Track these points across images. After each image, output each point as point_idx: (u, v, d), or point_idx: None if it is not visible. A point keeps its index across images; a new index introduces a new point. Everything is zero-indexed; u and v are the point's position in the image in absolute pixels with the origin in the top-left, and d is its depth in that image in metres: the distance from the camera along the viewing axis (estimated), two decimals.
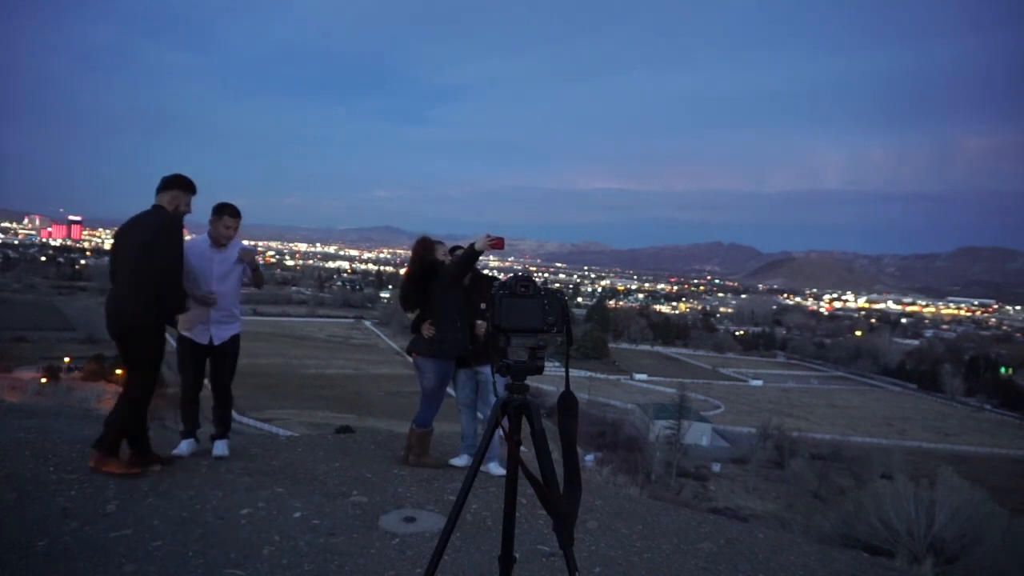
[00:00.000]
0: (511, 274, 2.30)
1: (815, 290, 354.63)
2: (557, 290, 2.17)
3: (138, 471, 4.22)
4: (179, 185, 4.23)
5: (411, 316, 5.20)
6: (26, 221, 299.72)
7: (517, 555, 2.36)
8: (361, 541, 3.59)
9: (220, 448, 4.82)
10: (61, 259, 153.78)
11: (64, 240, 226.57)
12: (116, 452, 4.23)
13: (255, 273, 4.80)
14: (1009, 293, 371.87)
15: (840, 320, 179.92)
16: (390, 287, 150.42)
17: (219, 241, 4.63)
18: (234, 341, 4.78)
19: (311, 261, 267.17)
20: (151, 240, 4.04)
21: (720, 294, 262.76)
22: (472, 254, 4.71)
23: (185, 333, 4.65)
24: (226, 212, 4.62)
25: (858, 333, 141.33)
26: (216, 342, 4.66)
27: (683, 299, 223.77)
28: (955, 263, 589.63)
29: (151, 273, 4.03)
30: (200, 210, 4.78)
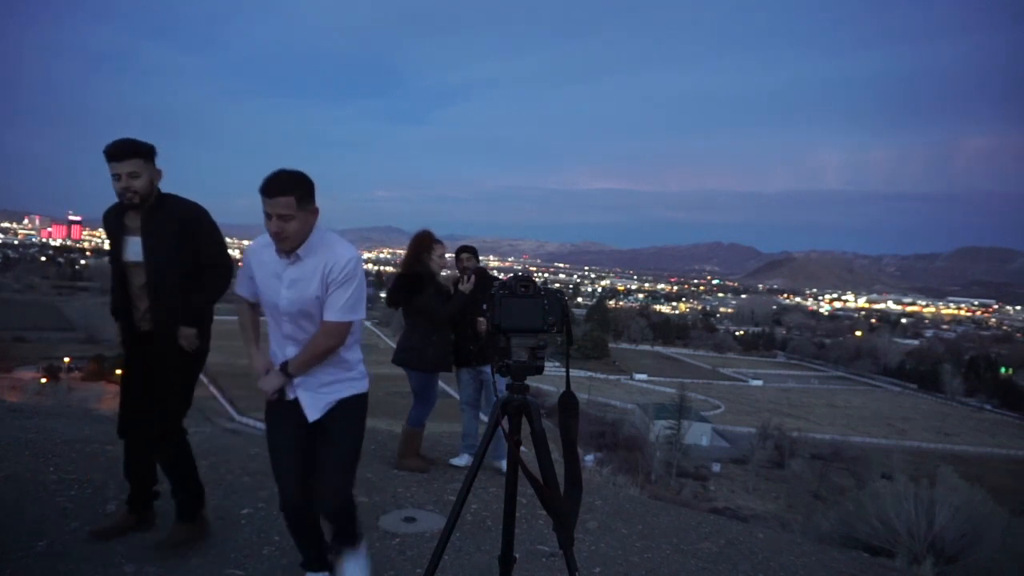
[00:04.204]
0: (511, 274, 2.30)
1: (815, 290, 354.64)
2: (557, 290, 2.17)
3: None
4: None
5: None
6: (26, 221, 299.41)
7: (517, 555, 2.36)
8: None
9: (352, 573, 2.76)
10: (61, 259, 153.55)
11: (64, 240, 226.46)
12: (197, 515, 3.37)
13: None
14: (1009, 293, 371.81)
15: (840, 320, 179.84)
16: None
17: (278, 244, 2.58)
18: (343, 407, 2.70)
19: None
20: None
21: (720, 294, 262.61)
22: (463, 299, 4.82)
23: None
24: (263, 192, 2.53)
25: (858, 333, 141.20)
26: (312, 414, 2.66)
27: (683, 299, 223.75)
28: (955, 263, 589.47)
29: None
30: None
